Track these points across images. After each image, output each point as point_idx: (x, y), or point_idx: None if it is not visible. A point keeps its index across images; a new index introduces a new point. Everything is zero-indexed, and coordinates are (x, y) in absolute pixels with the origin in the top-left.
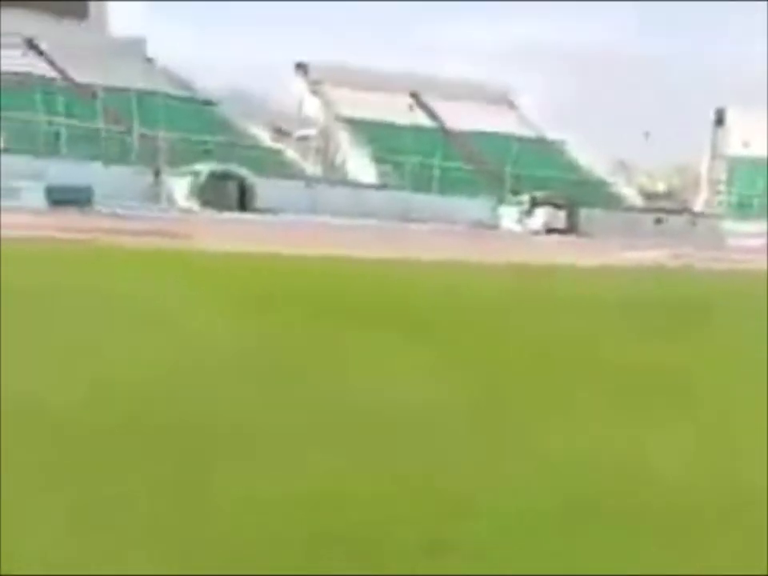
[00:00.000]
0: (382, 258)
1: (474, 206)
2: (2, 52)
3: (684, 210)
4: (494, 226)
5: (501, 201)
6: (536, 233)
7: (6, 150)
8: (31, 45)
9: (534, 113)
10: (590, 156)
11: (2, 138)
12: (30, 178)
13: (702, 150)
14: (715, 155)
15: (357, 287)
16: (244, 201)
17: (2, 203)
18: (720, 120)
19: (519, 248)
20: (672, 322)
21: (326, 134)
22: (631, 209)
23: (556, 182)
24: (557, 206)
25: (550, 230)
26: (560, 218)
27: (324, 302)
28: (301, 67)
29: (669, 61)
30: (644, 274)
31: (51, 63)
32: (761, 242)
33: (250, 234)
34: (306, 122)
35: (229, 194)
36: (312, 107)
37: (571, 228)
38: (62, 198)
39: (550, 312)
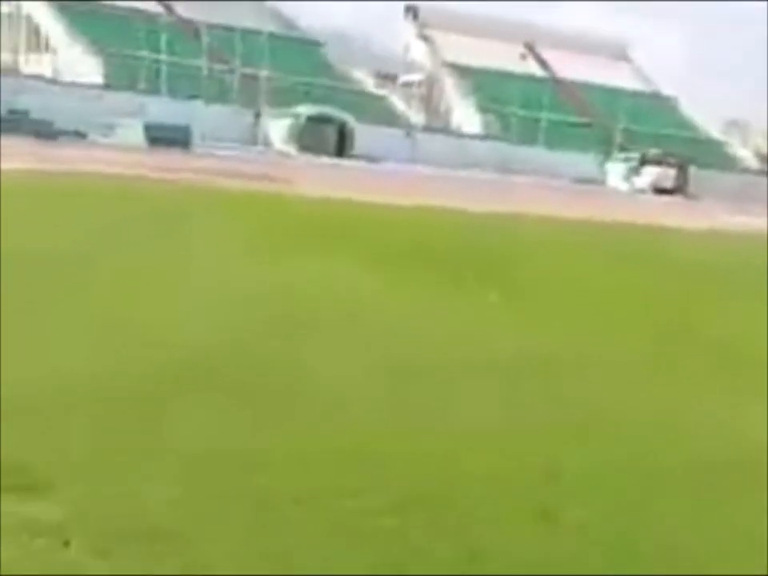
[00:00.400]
0: (483, 211)
1: (580, 161)
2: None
3: None
4: (600, 183)
5: (608, 157)
6: (642, 191)
7: (107, 86)
8: None
9: (650, 68)
10: (703, 114)
11: (104, 73)
12: (130, 114)
13: None
14: None
15: (454, 240)
16: (343, 146)
17: (101, 140)
18: None
19: (625, 207)
20: None
21: (431, 81)
22: (745, 171)
23: (667, 140)
24: (667, 165)
25: (658, 190)
26: (669, 178)
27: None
28: (410, 10)
29: None
30: (754, 242)
31: None
32: None
33: (350, 182)
34: (411, 67)
35: (327, 139)
36: (419, 52)
37: (680, 189)
38: (161, 136)
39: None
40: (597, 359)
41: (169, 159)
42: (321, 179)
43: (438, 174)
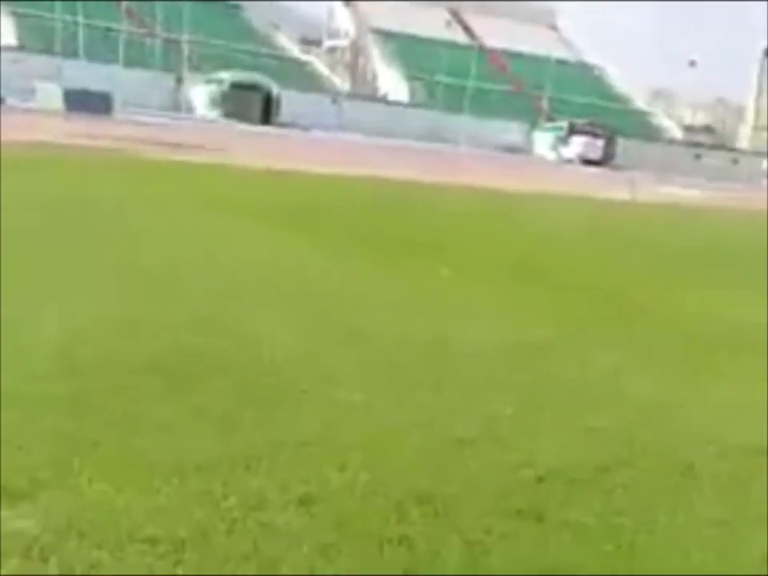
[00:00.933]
0: (408, 179)
1: (506, 129)
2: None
3: (725, 146)
4: (527, 152)
5: (535, 126)
6: (570, 161)
7: (21, 47)
8: None
9: (575, 36)
10: (629, 85)
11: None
12: (47, 78)
13: (748, 84)
14: (762, 88)
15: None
16: (268, 113)
17: (20, 105)
18: None
19: (552, 177)
20: None
21: (356, 47)
22: (671, 142)
23: (594, 110)
24: (594, 136)
25: (586, 161)
26: (597, 148)
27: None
28: None
29: None
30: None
31: None
32: None
33: (278, 150)
34: (335, 33)
35: (253, 105)
36: (343, 18)
37: (607, 159)
38: (81, 102)
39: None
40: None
41: (91, 126)
42: (256, 148)
43: (366, 142)
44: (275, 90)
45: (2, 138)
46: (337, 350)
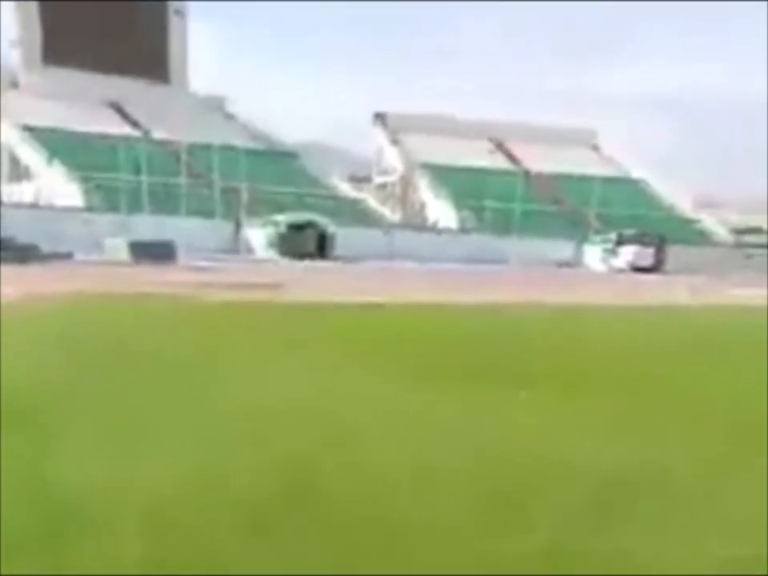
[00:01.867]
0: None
1: (556, 247)
2: (87, 114)
3: None
4: (575, 265)
5: (584, 240)
6: (621, 270)
7: (89, 209)
8: (116, 107)
9: (618, 153)
10: (675, 194)
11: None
12: (112, 234)
13: None
14: None
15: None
16: (323, 249)
17: (88, 258)
18: None
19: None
20: None
21: (404, 181)
22: (718, 244)
23: (641, 220)
24: (643, 244)
25: (637, 269)
26: (647, 256)
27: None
28: (379, 116)
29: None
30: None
31: (135, 125)
32: None
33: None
34: (385, 171)
35: (307, 243)
36: (391, 156)
37: (658, 266)
38: (145, 252)
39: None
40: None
41: (154, 272)
42: (308, 281)
43: (418, 268)
44: (330, 227)
45: (72, 288)
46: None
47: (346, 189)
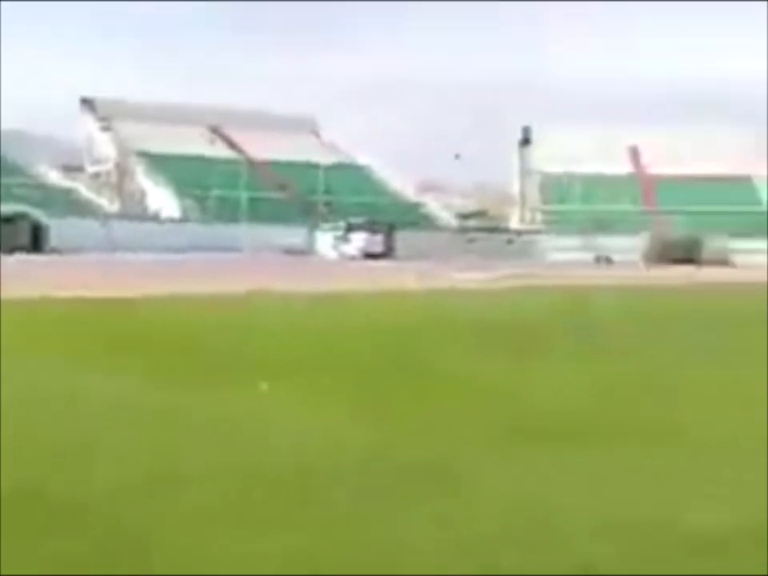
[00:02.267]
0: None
1: (288, 234)
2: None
3: (498, 228)
4: (309, 253)
5: (314, 227)
6: (353, 258)
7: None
8: None
9: (341, 139)
10: (400, 180)
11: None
12: None
13: (510, 168)
14: (524, 172)
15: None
16: (38, 242)
17: None
18: (527, 139)
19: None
20: None
21: (120, 170)
22: (445, 229)
23: (369, 207)
24: (372, 231)
25: (368, 255)
26: (377, 243)
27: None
28: (86, 102)
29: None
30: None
31: None
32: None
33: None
34: (98, 159)
35: (20, 236)
36: (103, 143)
37: (388, 252)
38: None
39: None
40: None
41: None
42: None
43: (139, 259)
44: (42, 219)
45: None
46: None
47: (56, 178)
